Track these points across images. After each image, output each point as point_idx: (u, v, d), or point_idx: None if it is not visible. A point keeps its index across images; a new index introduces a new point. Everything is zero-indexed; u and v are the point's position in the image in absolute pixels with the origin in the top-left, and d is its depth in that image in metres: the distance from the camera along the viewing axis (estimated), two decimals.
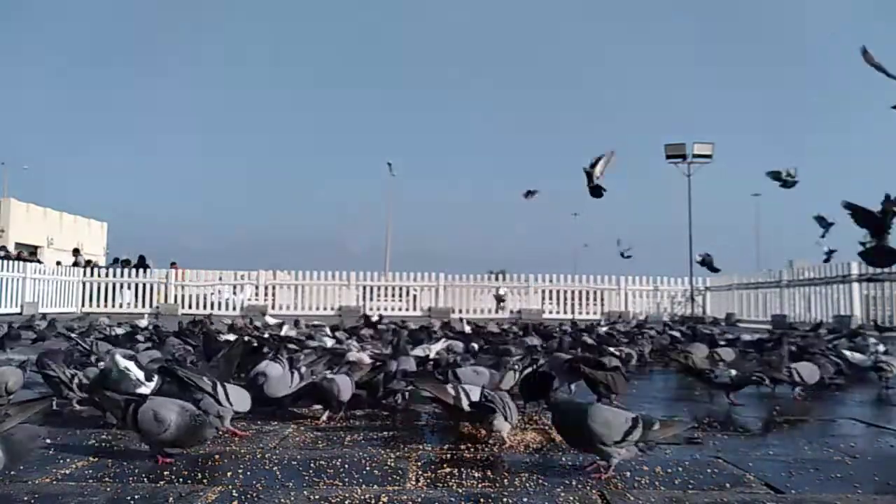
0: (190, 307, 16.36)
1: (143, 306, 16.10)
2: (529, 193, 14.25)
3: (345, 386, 2.91)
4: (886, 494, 1.92)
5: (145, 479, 1.97)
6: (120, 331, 5.85)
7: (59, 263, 17.98)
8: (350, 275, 17.18)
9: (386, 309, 15.81)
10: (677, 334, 6.42)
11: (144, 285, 16.88)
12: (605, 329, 7.14)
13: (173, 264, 17.85)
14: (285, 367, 3.12)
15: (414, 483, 1.97)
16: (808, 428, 2.96)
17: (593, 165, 10.26)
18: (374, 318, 8.71)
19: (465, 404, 2.50)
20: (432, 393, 2.62)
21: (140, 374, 2.83)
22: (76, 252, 19.89)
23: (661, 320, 11.98)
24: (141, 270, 17.30)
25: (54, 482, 1.91)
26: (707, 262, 15.36)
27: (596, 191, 10.37)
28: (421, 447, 2.41)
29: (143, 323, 7.28)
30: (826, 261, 11.97)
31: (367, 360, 3.68)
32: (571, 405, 2.28)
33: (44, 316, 8.82)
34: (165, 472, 2.04)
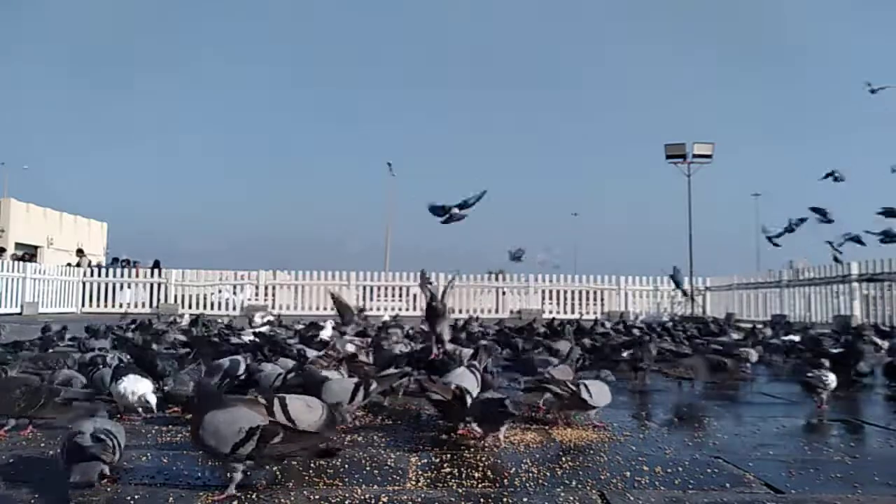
0: (190, 307, 16.34)
1: (145, 307, 16.10)
2: (516, 258, 12.49)
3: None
4: (886, 494, 1.92)
5: (145, 480, 1.97)
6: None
7: (70, 265, 17.90)
8: (350, 275, 17.17)
9: (386, 309, 15.78)
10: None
11: (146, 285, 16.88)
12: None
13: (135, 263, 17.83)
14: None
15: (414, 483, 1.97)
16: (808, 428, 2.96)
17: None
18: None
19: (467, 402, 2.50)
20: (431, 390, 2.61)
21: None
22: (80, 252, 19.83)
23: (661, 320, 11.94)
24: (142, 271, 17.29)
25: (54, 482, 1.91)
26: (517, 257, 12.33)
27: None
28: (421, 447, 2.41)
29: (185, 322, 7.40)
30: (836, 260, 11.66)
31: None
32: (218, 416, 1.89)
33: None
34: (165, 473, 2.04)
